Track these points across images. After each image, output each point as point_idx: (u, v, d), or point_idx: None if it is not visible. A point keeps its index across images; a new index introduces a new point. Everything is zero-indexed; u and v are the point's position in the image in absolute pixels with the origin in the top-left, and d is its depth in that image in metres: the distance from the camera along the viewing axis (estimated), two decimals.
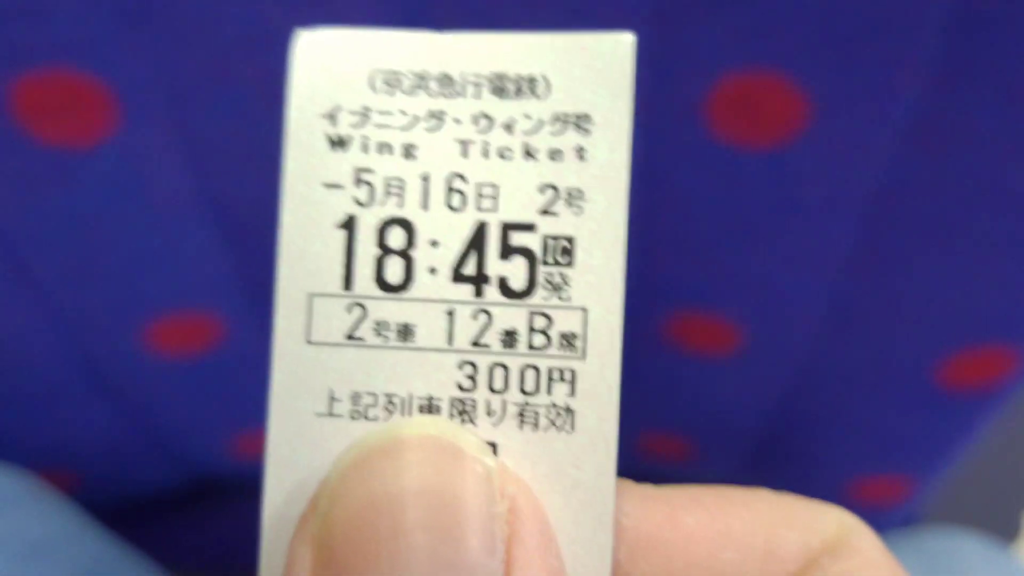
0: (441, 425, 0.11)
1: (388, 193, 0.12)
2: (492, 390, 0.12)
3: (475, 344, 0.12)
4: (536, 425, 0.12)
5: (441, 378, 0.12)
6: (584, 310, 0.12)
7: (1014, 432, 0.45)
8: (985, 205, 0.25)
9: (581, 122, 0.12)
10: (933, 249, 0.26)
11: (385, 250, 0.12)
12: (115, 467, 0.39)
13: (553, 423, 0.12)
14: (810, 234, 0.27)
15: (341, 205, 0.12)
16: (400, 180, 0.12)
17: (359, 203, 0.12)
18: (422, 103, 0.12)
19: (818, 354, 0.31)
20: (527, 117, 0.12)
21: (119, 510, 0.44)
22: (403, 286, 0.12)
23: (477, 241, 0.12)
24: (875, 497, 0.38)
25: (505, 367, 0.12)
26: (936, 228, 0.26)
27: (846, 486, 0.37)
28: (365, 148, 0.12)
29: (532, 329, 0.12)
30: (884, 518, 0.39)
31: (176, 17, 0.22)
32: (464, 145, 0.12)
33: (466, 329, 0.12)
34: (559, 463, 0.12)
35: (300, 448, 0.12)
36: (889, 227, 0.26)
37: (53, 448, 0.36)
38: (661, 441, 0.39)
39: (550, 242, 0.12)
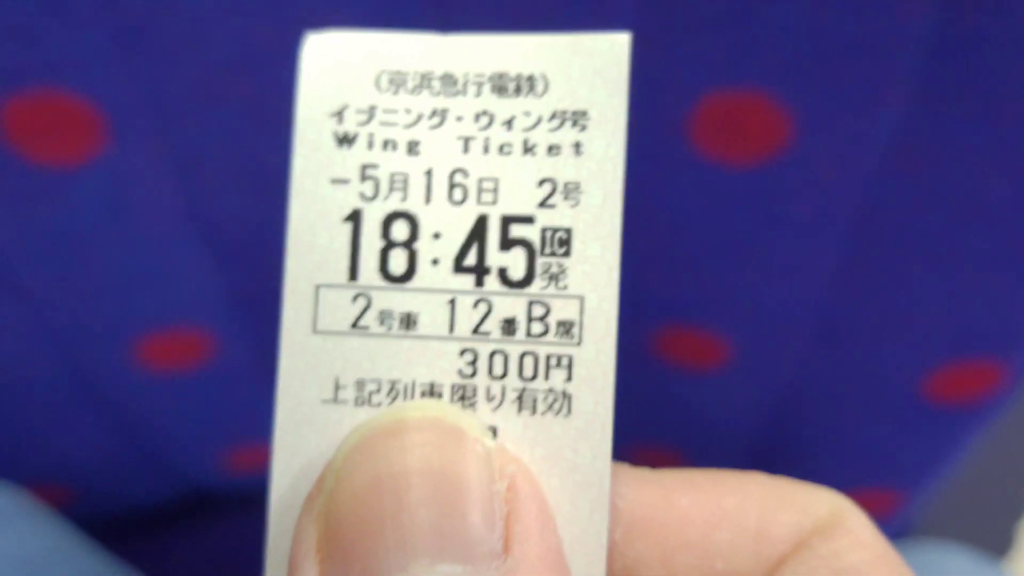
0: (443, 408, 0.12)
1: (393, 188, 0.12)
2: (492, 376, 0.12)
3: (476, 332, 0.12)
4: (534, 410, 0.12)
5: (443, 365, 0.12)
6: (581, 298, 0.13)
7: (1005, 446, 0.45)
8: (968, 221, 0.25)
9: (578, 118, 0.13)
10: (918, 264, 0.27)
11: (389, 242, 0.12)
12: (107, 482, 0.39)
13: (551, 408, 0.12)
14: (797, 250, 0.27)
15: (347, 200, 0.13)
16: (404, 175, 0.12)
17: (364, 198, 0.12)
18: (425, 102, 0.13)
19: (806, 368, 0.31)
20: (526, 114, 0.13)
21: (111, 525, 0.44)
22: (406, 276, 0.12)
23: (478, 233, 0.12)
24: (864, 510, 0.38)
25: (504, 354, 0.12)
26: (920, 244, 0.26)
27: None
28: (371, 145, 0.13)
29: (531, 317, 0.12)
30: None
31: (165, 39, 0.23)
32: (466, 141, 0.12)
33: (467, 317, 0.12)
34: (557, 446, 0.12)
35: (306, 434, 0.12)
36: (874, 243, 0.26)
37: (45, 463, 0.36)
38: (652, 455, 0.39)
39: (548, 233, 0.12)
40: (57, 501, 0.38)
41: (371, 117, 0.13)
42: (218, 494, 0.44)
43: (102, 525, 0.42)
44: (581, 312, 0.12)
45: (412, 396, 0.12)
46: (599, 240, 0.13)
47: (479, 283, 0.12)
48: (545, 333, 0.12)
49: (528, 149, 0.12)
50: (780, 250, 0.27)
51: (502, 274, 0.12)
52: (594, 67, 0.13)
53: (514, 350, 0.12)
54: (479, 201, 0.12)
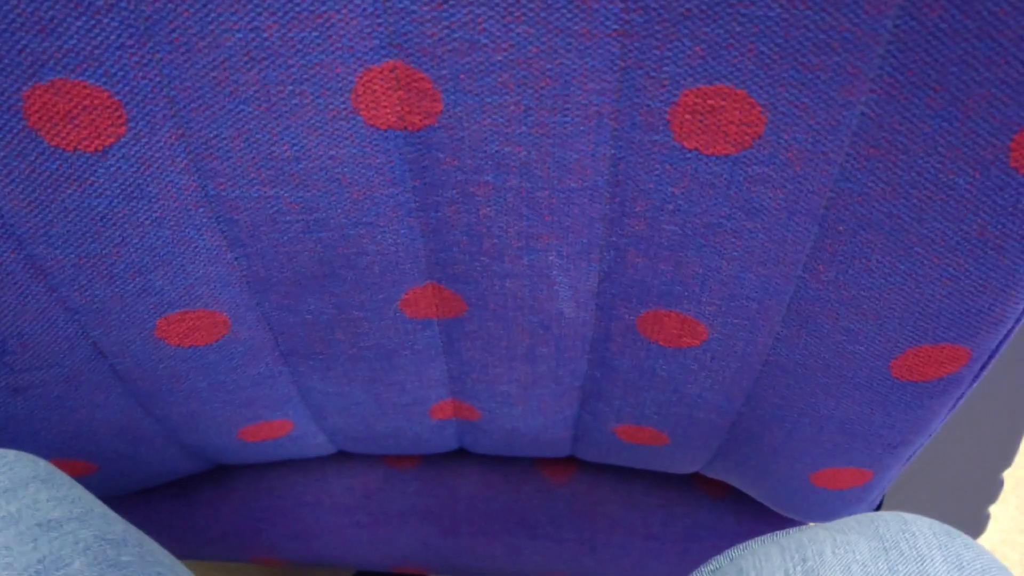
0: None
1: None
2: None
3: None
4: None
5: None
6: None
7: (979, 431, 0.47)
8: (934, 208, 0.26)
9: None
10: (886, 250, 0.28)
11: None
12: (128, 456, 0.40)
13: None
14: (770, 236, 0.29)
15: None
16: None
17: None
18: None
19: (779, 349, 0.33)
20: None
21: (132, 497, 0.45)
22: None
23: None
24: (836, 486, 0.40)
25: None
26: (889, 231, 0.27)
27: (809, 476, 0.39)
28: None
29: None
30: (847, 505, 0.41)
31: (178, 30, 0.24)
32: None
33: None
34: None
35: None
36: (845, 229, 0.28)
37: (69, 439, 0.38)
38: (635, 431, 0.40)
39: None
40: (80, 475, 0.40)
41: None
42: (231, 463, 0.45)
43: (123, 497, 0.44)
44: None
45: None
46: None
47: None
48: None
49: None
50: (755, 236, 0.29)
51: None
52: None
53: None
54: None
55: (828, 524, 0.28)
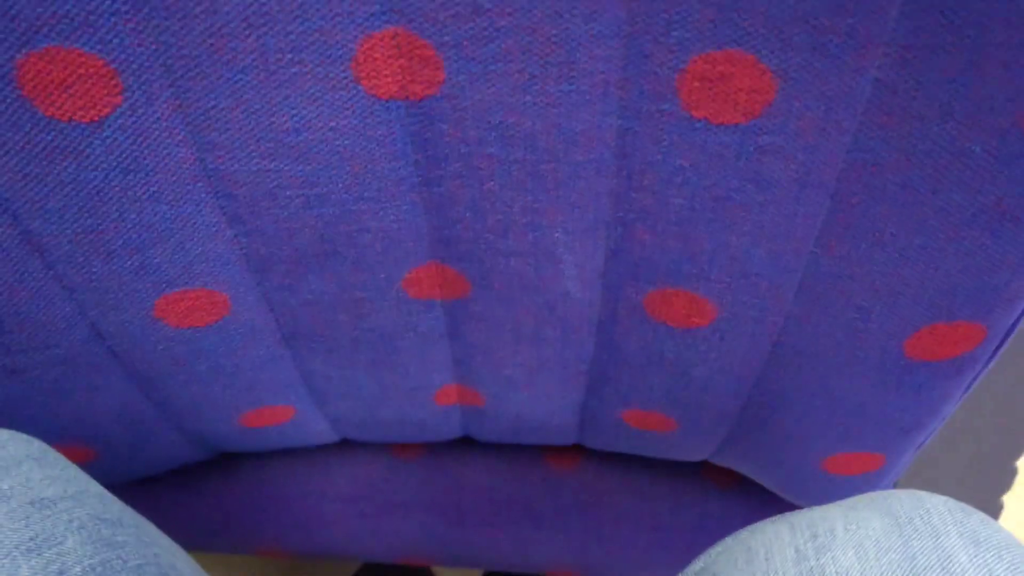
0: None
1: None
2: None
3: None
4: None
5: None
6: None
7: (992, 418, 0.46)
8: (950, 180, 0.26)
9: None
10: (901, 224, 0.27)
11: None
12: (128, 442, 0.40)
13: None
14: (781, 209, 0.28)
15: None
16: None
17: None
18: None
19: (790, 328, 0.32)
20: None
21: (131, 482, 0.45)
22: None
23: None
24: (849, 472, 0.39)
25: None
26: (903, 203, 0.27)
27: (820, 461, 0.39)
28: None
29: None
30: (860, 491, 0.41)
31: None
32: None
33: None
34: None
35: None
36: (858, 202, 0.27)
37: (68, 422, 0.37)
38: (643, 417, 0.40)
39: None
40: (80, 461, 0.39)
41: None
42: (233, 451, 0.45)
43: (124, 487, 0.43)
44: None
45: None
46: None
47: None
48: None
49: None
50: (765, 210, 0.28)
51: None
52: None
53: None
54: None
55: (840, 502, 0.27)
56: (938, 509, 0.25)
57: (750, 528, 0.29)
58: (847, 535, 0.24)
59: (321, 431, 0.45)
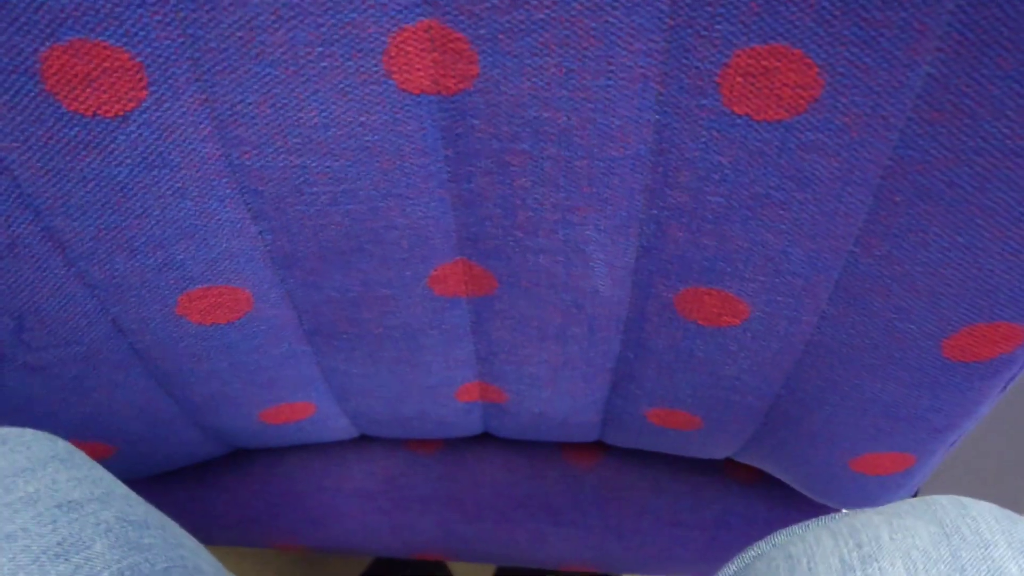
0: None
1: None
2: None
3: None
4: None
5: None
6: None
7: (1020, 416, 0.45)
8: (999, 178, 0.25)
9: None
10: (945, 222, 0.27)
11: None
12: (147, 438, 0.39)
13: None
14: (821, 208, 0.27)
15: None
16: None
17: None
18: None
19: (824, 328, 0.31)
20: None
21: (152, 479, 0.44)
22: None
23: None
24: (876, 472, 0.38)
25: None
26: (949, 202, 0.26)
27: (848, 461, 0.38)
28: None
29: None
30: (887, 491, 0.40)
31: None
32: None
33: None
34: None
35: None
36: (902, 200, 0.26)
37: (88, 419, 0.37)
38: (668, 415, 0.39)
39: None
40: (99, 457, 0.39)
41: None
42: (252, 447, 0.44)
43: (141, 481, 0.43)
44: None
45: None
46: None
47: None
48: None
49: None
50: (804, 208, 0.27)
51: None
52: None
53: None
54: None
55: (880, 508, 0.26)
56: (984, 517, 0.24)
57: (786, 532, 0.28)
58: (893, 544, 0.23)
59: (340, 428, 0.44)
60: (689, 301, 0.32)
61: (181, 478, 0.49)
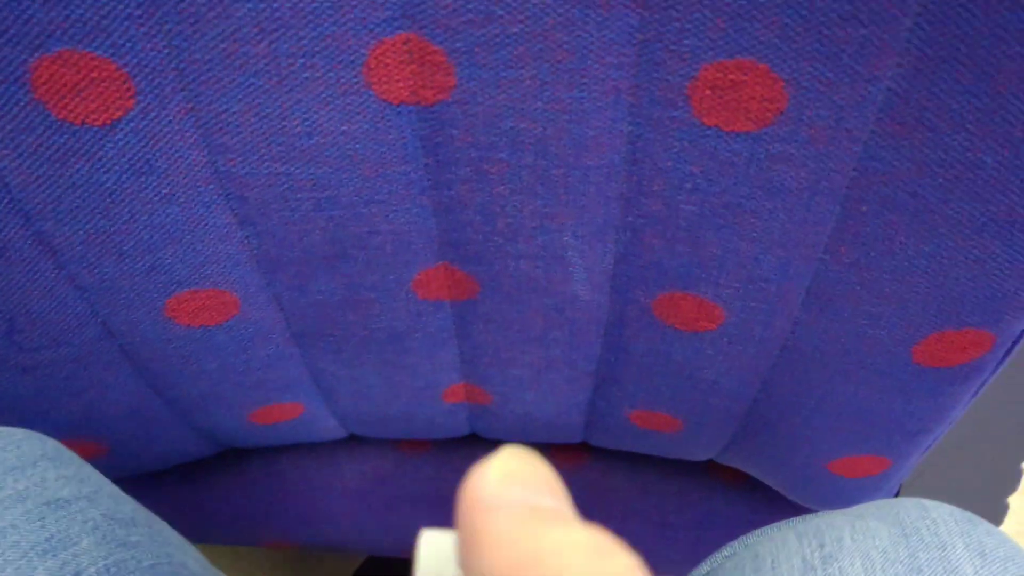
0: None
1: None
2: None
3: None
4: None
5: None
6: None
7: (998, 420, 0.46)
8: (960, 188, 0.26)
9: None
10: (911, 232, 0.27)
11: None
12: (138, 438, 0.40)
13: None
14: (791, 216, 0.28)
15: None
16: None
17: None
18: None
19: (797, 333, 0.32)
20: None
21: (141, 478, 0.45)
22: None
23: None
24: (854, 474, 0.39)
25: None
26: (913, 211, 0.27)
27: (825, 464, 0.39)
28: None
29: None
30: (864, 493, 0.41)
31: (187, 1, 0.24)
32: None
33: None
34: None
35: None
36: (868, 210, 0.27)
37: (78, 419, 0.37)
38: (649, 417, 0.40)
39: None
40: (91, 456, 0.40)
41: None
42: (242, 448, 0.45)
43: (133, 480, 0.43)
44: None
45: None
46: None
47: None
48: None
49: None
50: (775, 217, 0.28)
51: None
52: None
53: None
54: None
55: (846, 510, 0.27)
56: (944, 519, 0.25)
57: (758, 532, 0.29)
58: (854, 544, 0.24)
59: (329, 428, 0.45)
60: (666, 306, 0.33)
61: (173, 477, 0.50)
